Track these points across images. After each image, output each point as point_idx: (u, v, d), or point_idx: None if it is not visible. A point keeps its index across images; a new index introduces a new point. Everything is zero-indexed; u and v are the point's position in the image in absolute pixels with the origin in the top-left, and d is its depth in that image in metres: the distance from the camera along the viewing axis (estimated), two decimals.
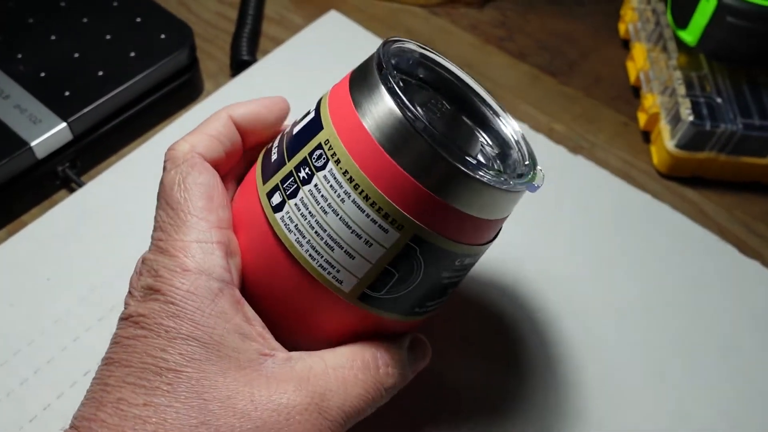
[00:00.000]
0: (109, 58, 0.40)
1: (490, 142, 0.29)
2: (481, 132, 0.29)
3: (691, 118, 0.40)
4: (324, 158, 0.25)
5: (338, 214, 0.25)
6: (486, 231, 0.26)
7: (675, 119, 0.41)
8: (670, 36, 0.44)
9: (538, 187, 0.27)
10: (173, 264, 0.24)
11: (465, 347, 0.34)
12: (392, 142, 0.24)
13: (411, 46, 0.28)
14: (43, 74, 0.39)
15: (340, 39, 0.46)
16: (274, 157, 0.27)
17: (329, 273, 0.25)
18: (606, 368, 0.34)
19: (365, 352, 0.26)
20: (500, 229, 0.28)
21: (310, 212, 0.25)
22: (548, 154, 0.42)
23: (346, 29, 0.47)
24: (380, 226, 0.24)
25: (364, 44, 0.46)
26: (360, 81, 0.25)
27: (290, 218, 0.25)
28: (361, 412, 0.25)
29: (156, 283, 0.24)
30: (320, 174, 0.25)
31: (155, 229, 0.26)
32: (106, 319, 0.34)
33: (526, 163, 0.28)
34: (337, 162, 0.25)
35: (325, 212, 0.25)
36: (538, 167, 0.27)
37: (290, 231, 0.25)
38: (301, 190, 0.25)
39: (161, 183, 0.26)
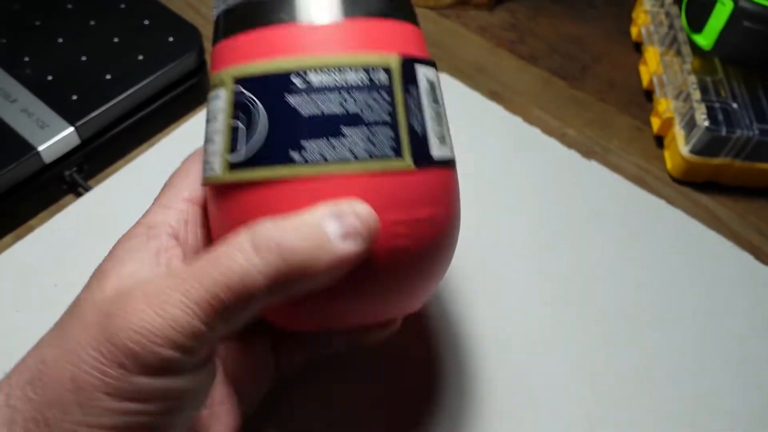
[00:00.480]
0: (117, 61, 0.40)
1: None
2: None
3: (706, 123, 0.39)
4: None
5: (208, 119, 0.25)
6: (295, 38, 0.24)
7: (690, 125, 0.40)
8: (684, 40, 0.43)
9: None
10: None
11: (469, 353, 0.34)
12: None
13: None
14: (50, 78, 0.39)
15: None
16: None
17: (207, 169, 0.25)
18: (618, 376, 0.34)
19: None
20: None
21: (204, 140, 0.25)
22: (560, 158, 0.41)
23: None
24: (217, 97, 0.24)
25: None
26: None
27: (203, 160, 0.26)
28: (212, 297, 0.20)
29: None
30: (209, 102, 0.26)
31: None
32: None
33: None
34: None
35: (208, 121, 0.25)
36: None
37: (203, 170, 0.26)
38: (206, 134, 0.26)
39: None
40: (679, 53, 0.43)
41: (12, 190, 0.37)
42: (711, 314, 0.36)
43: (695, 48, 0.43)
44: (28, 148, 0.36)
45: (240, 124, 0.24)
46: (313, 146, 0.23)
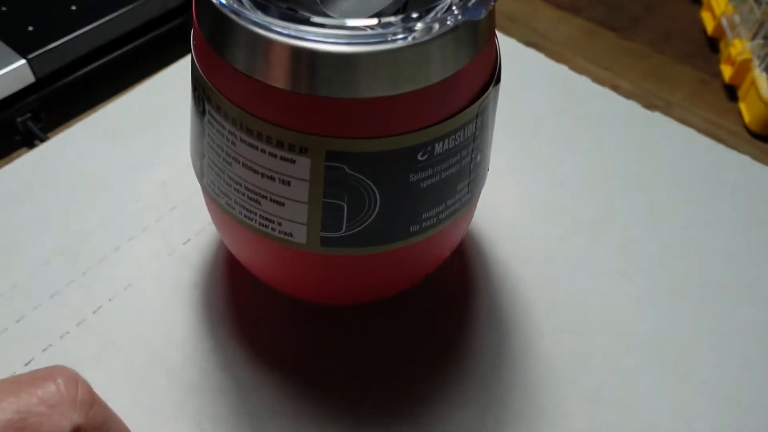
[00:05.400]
0: None
1: None
2: None
3: None
4: (200, 98, 0.21)
5: (239, 161, 0.20)
6: (419, 106, 0.19)
7: None
8: None
9: (463, 18, 0.18)
10: None
11: (524, 327, 0.26)
12: (221, 41, 0.19)
13: None
14: (4, 8, 0.33)
15: None
16: None
17: (273, 228, 0.21)
18: (705, 352, 0.26)
19: None
20: (472, 95, 0.20)
21: (220, 168, 0.21)
22: (618, 109, 0.34)
23: None
24: (282, 158, 0.19)
25: None
26: None
27: (212, 181, 0.22)
28: None
29: None
30: (205, 120, 0.21)
31: None
32: (59, 296, 0.26)
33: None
34: (209, 99, 0.20)
35: (229, 163, 0.21)
36: None
37: (218, 195, 0.22)
38: (205, 146, 0.21)
39: None
40: None
41: None
42: None
43: None
44: None
45: (342, 203, 0.20)
46: (431, 214, 0.22)
